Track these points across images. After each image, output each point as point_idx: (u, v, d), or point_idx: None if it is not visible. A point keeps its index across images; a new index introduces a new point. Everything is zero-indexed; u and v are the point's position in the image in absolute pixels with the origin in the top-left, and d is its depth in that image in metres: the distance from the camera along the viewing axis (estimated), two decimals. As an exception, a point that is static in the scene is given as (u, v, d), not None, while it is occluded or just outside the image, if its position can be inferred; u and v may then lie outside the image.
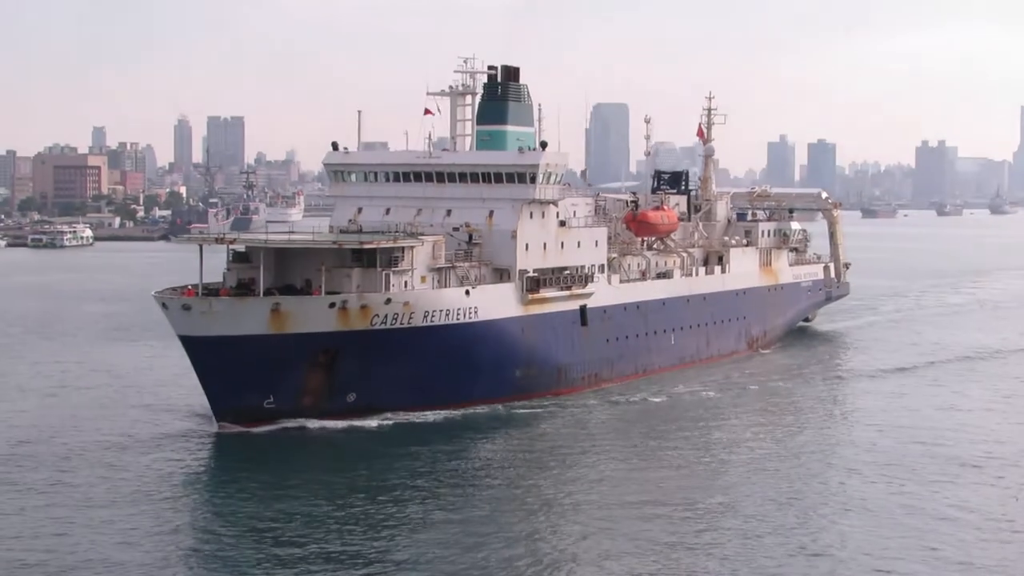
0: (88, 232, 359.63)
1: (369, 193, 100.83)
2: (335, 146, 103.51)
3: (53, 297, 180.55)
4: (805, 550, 59.08)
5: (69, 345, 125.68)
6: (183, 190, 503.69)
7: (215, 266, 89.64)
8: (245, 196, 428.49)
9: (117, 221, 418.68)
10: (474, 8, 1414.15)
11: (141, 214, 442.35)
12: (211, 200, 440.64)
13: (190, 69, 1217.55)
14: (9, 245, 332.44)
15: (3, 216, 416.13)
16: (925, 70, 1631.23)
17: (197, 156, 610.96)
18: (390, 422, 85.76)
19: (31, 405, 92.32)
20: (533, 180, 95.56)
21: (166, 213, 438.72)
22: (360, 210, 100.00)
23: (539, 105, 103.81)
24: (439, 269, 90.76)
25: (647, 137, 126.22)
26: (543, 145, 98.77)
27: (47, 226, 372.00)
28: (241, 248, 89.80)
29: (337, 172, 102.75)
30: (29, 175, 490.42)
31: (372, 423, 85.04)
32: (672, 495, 68.97)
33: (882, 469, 75.79)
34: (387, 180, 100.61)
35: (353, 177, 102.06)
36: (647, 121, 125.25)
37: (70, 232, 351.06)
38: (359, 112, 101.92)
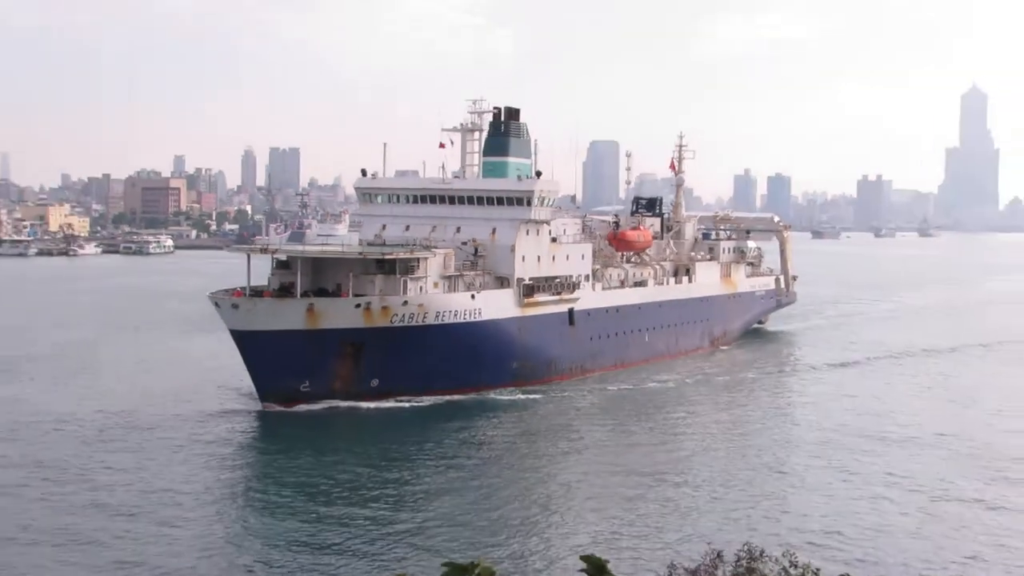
0: (169, 242, 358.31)
1: (392, 212, 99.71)
2: (364, 172, 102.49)
3: (140, 296, 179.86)
4: (758, 509, 59.41)
5: (152, 336, 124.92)
6: (248, 208, 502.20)
7: (266, 272, 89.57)
8: (300, 214, 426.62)
9: (194, 233, 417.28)
10: (486, 54, 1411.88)
11: (213, 228, 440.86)
12: (256, 217, 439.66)
13: (256, 108, 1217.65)
14: (104, 252, 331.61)
15: (100, 228, 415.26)
16: (869, 117, 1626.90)
17: (260, 180, 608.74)
18: (408, 404, 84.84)
19: (123, 385, 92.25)
20: (529, 203, 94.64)
21: (234, 227, 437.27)
22: (384, 227, 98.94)
23: (535, 140, 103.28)
24: (449, 277, 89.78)
25: (628, 169, 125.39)
26: (538, 174, 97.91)
27: (135, 236, 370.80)
28: (283, 257, 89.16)
29: (365, 194, 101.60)
30: (121, 194, 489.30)
31: (393, 404, 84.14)
32: (648, 464, 69.19)
33: (823, 445, 75.73)
34: (407, 202, 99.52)
35: (379, 199, 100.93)
36: (628, 155, 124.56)
37: (155, 242, 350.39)
38: (384, 145, 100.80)
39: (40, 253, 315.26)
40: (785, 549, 19.41)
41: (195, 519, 56.08)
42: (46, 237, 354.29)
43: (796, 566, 17.07)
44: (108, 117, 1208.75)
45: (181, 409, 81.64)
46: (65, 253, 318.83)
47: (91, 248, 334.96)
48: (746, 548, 18.53)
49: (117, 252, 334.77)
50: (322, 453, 70.85)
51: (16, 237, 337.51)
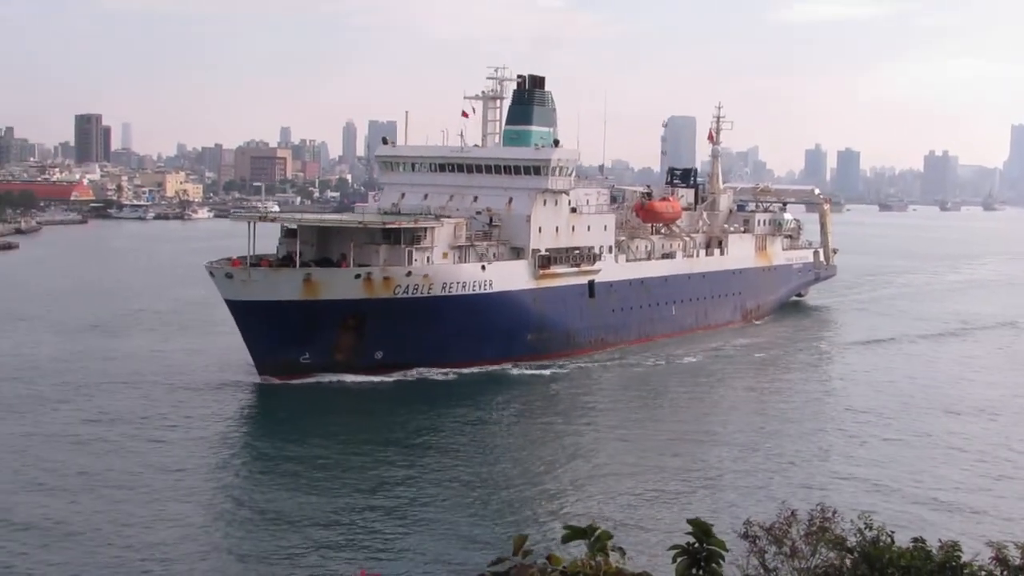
0: (275, 207, 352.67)
1: (411, 181, 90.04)
2: (384, 141, 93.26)
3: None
4: (818, 476, 54.35)
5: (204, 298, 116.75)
6: (349, 177, 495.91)
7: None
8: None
9: (298, 200, 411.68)
10: (568, 33, 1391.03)
11: (316, 194, 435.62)
12: (356, 185, 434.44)
13: (356, 82, 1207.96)
14: (216, 216, 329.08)
15: (212, 194, 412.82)
16: (936, 93, 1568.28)
17: (360, 151, 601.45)
18: (415, 377, 75.72)
19: (141, 350, 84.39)
20: (546, 172, 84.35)
21: (335, 194, 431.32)
22: (403, 195, 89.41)
23: (555, 109, 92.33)
24: (460, 247, 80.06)
25: (664, 139, 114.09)
26: (556, 143, 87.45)
27: (244, 202, 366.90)
28: (292, 225, 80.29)
29: (386, 163, 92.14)
30: (232, 163, 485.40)
31: (398, 378, 75.00)
32: (688, 435, 62.97)
33: (875, 414, 68.89)
34: (427, 170, 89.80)
35: (401, 168, 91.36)
36: (664, 125, 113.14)
37: (263, 206, 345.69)
38: (406, 113, 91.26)
39: (158, 217, 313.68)
40: (860, 511, 17.32)
41: (182, 498, 48.58)
42: (163, 202, 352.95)
43: (871, 528, 15.95)
44: (220, 91, 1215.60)
45: (178, 380, 73.10)
46: (180, 217, 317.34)
47: (203, 213, 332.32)
48: (819, 508, 17.57)
49: (227, 216, 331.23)
50: (322, 427, 62.69)
51: (136, 202, 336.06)
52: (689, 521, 9.06)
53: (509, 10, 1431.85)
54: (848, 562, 15.80)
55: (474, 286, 78.57)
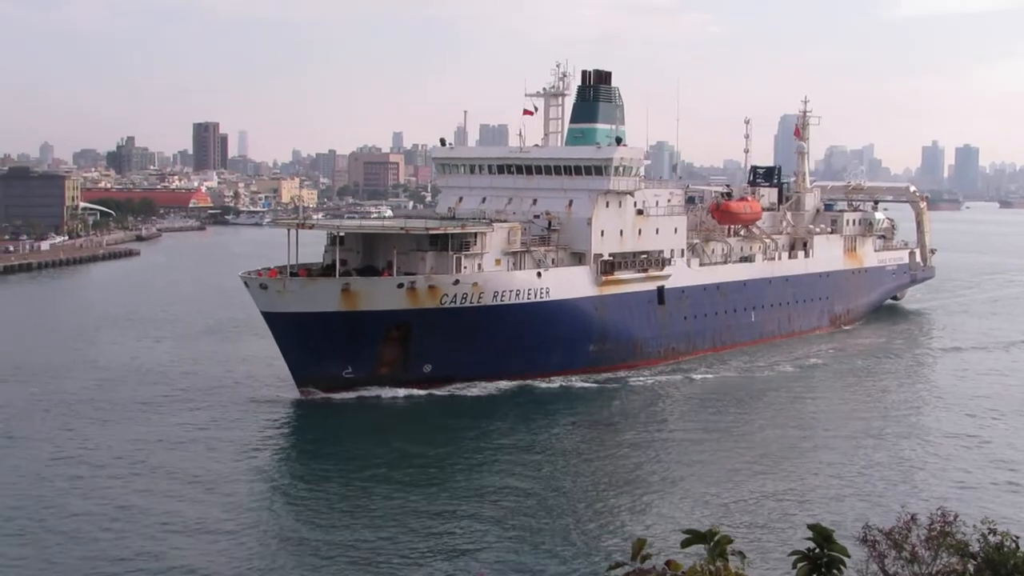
0: (388, 212, 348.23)
1: (469, 184, 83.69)
2: (443, 142, 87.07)
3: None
4: (913, 477, 51.92)
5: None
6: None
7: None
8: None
9: (411, 204, 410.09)
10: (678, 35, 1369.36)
11: (429, 199, 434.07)
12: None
13: (465, 86, 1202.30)
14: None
15: (326, 199, 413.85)
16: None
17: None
18: (469, 392, 69.64)
19: (188, 361, 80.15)
20: (608, 172, 77.31)
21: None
22: (461, 199, 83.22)
23: (622, 105, 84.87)
24: (514, 253, 73.63)
25: (747, 136, 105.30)
26: (618, 141, 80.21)
27: (358, 207, 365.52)
28: (339, 232, 74.73)
29: (442, 165, 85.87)
30: (345, 168, 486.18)
31: (449, 392, 69.10)
32: (773, 442, 58.65)
33: (985, 424, 63.24)
34: (487, 172, 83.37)
35: (461, 170, 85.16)
36: (747, 122, 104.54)
37: (376, 211, 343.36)
38: (465, 113, 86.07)
39: (273, 222, 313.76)
40: (983, 517, 16.35)
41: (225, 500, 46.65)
42: (279, 208, 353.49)
43: (994, 533, 15.06)
44: (332, 97, 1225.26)
45: (214, 394, 68.49)
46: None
47: (318, 218, 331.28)
48: (940, 512, 16.74)
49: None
50: (386, 442, 58.33)
51: (252, 208, 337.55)
52: (810, 527, 9.24)
53: (616, 10, 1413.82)
54: (971, 567, 15.31)
55: (529, 294, 72.16)
